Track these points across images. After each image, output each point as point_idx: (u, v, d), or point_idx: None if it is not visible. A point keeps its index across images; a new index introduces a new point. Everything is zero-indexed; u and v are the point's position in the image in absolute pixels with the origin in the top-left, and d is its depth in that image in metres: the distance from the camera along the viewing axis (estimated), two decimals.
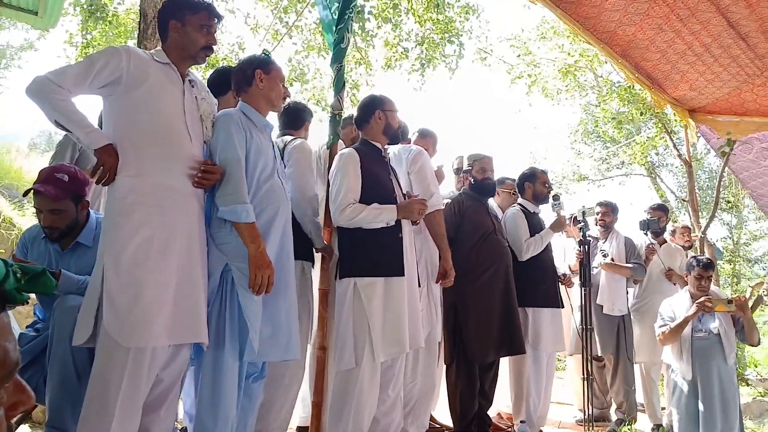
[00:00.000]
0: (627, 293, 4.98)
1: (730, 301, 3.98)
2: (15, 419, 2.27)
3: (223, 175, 2.39)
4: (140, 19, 5.91)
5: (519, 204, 4.30)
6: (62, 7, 6.29)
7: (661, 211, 5.29)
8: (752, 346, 4.04)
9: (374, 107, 3.18)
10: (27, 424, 2.81)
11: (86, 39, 9.50)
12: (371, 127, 3.18)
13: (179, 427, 2.74)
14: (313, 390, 3.10)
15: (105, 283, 2.15)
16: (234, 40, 10.79)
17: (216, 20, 2.46)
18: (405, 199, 3.11)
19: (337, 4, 3.60)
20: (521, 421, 3.78)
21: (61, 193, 2.43)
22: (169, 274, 2.20)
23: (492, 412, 3.94)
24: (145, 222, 2.20)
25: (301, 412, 3.44)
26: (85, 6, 9.23)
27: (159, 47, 2.48)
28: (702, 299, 4.04)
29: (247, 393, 2.55)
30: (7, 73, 19.00)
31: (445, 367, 3.73)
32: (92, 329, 2.15)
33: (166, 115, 2.32)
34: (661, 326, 4.22)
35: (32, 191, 2.44)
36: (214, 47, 2.50)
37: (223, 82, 2.91)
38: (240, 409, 2.49)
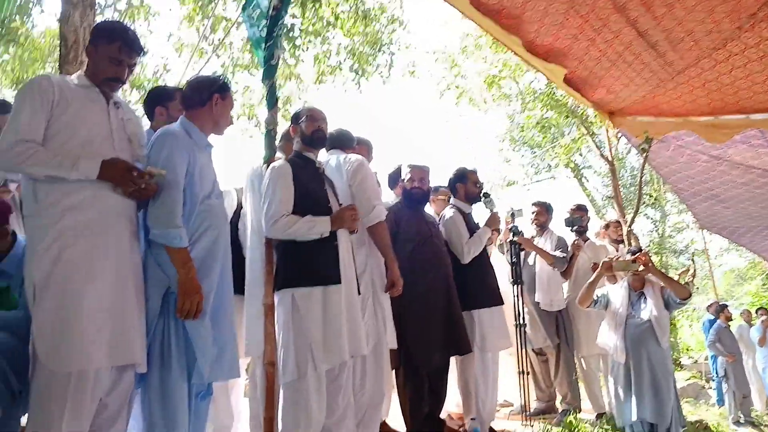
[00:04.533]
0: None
1: (634, 261, 4.20)
2: None
3: (157, 194, 2.38)
4: (61, 43, 5.75)
5: (453, 205, 4.36)
6: None
7: (582, 210, 5.56)
8: (683, 299, 4.14)
9: (291, 124, 3.30)
10: None
11: None
12: (294, 142, 3.29)
13: None
14: (264, 406, 3.08)
15: (33, 310, 2.12)
16: (159, 62, 10.61)
17: (129, 56, 2.42)
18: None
19: (264, 21, 3.60)
20: (472, 419, 3.86)
21: None
22: (102, 296, 2.17)
23: (442, 414, 3.99)
24: (71, 245, 2.16)
25: (252, 430, 3.41)
26: None
27: (81, 71, 2.47)
28: (606, 259, 4.32)
29: (195, 412, 2.52)
30: None
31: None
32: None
33: (90, 139, 2.30)
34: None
35: None
36: (124, 81, 2.46)
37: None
38: (190, 429, 2.46)
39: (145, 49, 2.51)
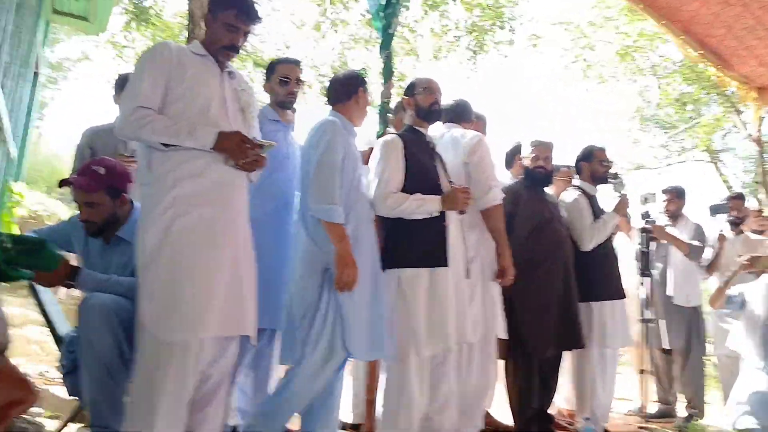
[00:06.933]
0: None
1: None
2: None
3: (317, 174, 2.55)
4: (189, 20, 5.96)
5: (577, 186, 3.97)
6: (111, 11, 6.44)
7: (739, 200, 4.99)
8: None
9: (404, 96, 3.18)
10: (78, 425, 2.82)
11: (127, 39, 9.72)
12: (407, 115, 3.16)
13: (231, 424, 2.69)
14: (366, 387, 3.02)
15: (141, 277, 2.14)
16: (279, 39, 10.85)
17: (245, 23, 2.38)
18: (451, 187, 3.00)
19: None
20: (585, 418, 3.59)
21: (94, 185, 2.41)
22: (212, 266, 2.16)
23: (551, 409, 3.76)
24: (184, 213, 2.16)
25: (353, 409, 3.38)
26: (129, 8, 9.42)
27: (198, 40, 2.48)
28: (746, 256, 3.82)
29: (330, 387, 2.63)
30: (65, 84, 19.45)
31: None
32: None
33: (206, 107, 2.29)
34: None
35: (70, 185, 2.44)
36: (239, 48, 2.44)
37: None
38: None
39: (260, 17, 2.46)
